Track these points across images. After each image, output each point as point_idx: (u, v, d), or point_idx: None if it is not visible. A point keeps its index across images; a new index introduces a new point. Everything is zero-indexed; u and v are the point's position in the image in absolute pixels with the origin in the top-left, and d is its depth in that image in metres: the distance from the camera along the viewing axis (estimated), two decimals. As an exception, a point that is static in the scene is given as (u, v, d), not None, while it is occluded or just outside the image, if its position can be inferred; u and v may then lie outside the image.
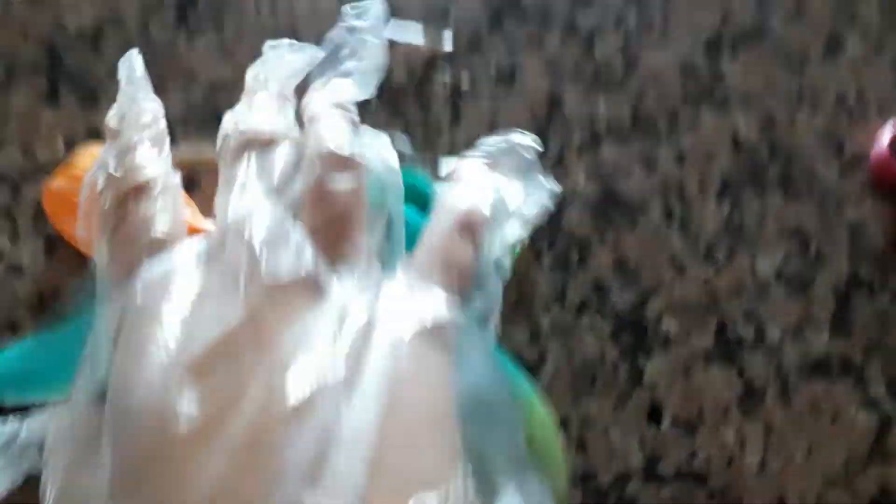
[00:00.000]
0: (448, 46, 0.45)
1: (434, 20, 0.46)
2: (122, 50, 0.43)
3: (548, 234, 0.41)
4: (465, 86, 0.44)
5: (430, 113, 0.43)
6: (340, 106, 0.25)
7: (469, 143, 0.43)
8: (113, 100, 0.41)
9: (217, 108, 0.42)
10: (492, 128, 0.43)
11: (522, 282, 0.40)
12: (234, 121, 0.24)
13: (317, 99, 0.25)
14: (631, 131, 0.44)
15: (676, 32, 0.46)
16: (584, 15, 0.47)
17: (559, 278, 0.40)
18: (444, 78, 0.44)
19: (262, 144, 0.23)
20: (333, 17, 0.45)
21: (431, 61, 0.45)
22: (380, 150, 0.25)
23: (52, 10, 0.44)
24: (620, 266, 0.41)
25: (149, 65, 0.27)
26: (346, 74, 0.26)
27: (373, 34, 0.27)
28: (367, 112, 0.43)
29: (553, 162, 0.43)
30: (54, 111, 0.41)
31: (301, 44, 0.27)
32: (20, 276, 0.37)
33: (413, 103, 0.44)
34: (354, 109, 0.25)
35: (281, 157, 0.23)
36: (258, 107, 0.24)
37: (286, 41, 0.28)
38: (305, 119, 0.24)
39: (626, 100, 0.45)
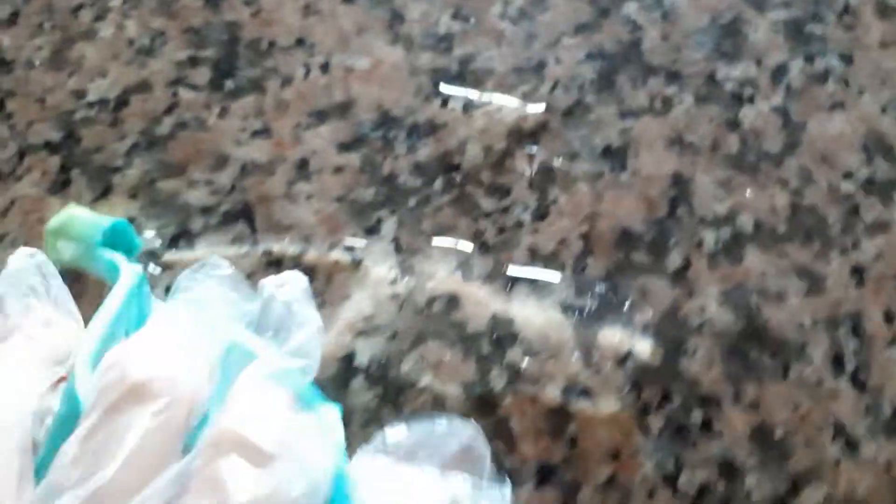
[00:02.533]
0: (539, 111, 0.35)
1: (527, 79, 0.36)
2: (144, 123, 0.37)
3: (658, 382, 0.30)
4: (557, 164, 0.34)
5: (510, 202, 0.33)
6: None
7: (556, 249, 0.32)
8: (128, 189, 0.35)
9: (246, 195, 0.34)
10: (591, 223, 0.33)
11: (618, 453, 0.29)
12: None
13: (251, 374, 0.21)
14: (788, 232, 0.32)
15: (857, 89, 0.33)
16: (730, 65, 0.35)
17: (671, 450, 0.29)
18: (530, 155, 0.34)
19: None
20: (401, 80, 0.37)
21: (517, 132, 0.35)
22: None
23: (74, 76, 0.38)
24: (761, 436, 0.29)
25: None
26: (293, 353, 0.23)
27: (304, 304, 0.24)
28: (429, 203, 0.34)
29: (672, 276, 0.31)
30: (62, 200, 0.35)
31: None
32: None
33: (487, 188, 0.34)
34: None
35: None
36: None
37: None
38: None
39: (781, 186, 0.33)
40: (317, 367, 0.23)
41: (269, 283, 0.24)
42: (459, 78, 0.36)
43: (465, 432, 0.24)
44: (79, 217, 0.30)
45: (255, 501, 0.18)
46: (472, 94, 0.36)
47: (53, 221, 0.30)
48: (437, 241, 0.33)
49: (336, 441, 0.22)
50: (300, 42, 0.38)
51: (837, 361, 0.30)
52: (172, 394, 0.19)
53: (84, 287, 0.29)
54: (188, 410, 0.20)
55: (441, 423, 0.24)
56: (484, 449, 0.23)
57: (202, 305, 0.25)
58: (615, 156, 0.34)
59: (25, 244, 0.34)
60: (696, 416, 0.29)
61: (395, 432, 0.25)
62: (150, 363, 0.20)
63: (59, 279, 0.26)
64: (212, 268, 0.25)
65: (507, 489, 0.24)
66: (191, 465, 0.18)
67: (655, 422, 0.29)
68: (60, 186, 0.35)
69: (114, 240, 0.30)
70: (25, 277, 0.25)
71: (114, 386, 0.19)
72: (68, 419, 0.21)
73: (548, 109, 0.35)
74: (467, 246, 0.33)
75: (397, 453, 0.24)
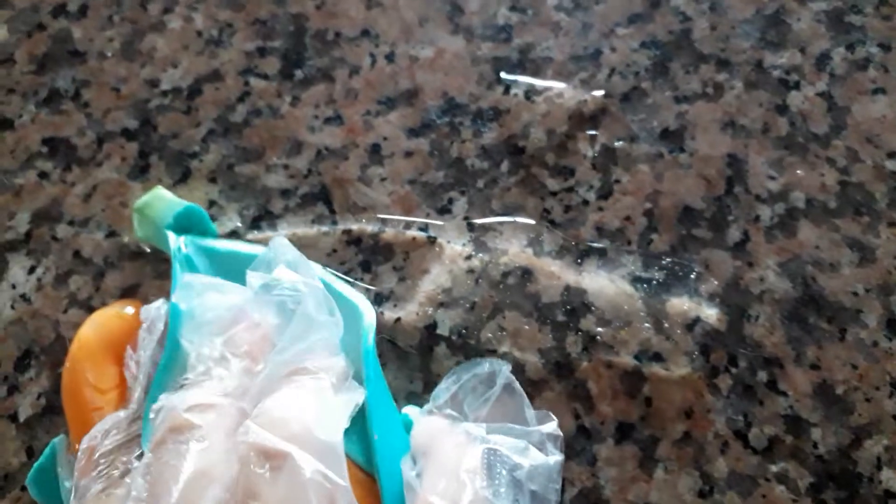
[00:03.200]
0: (599, 97, 0.37)
1: (585, 66, 0.38)
2: (219, 110, 0.38)
3: (725, 346, 0.32)
4: (618, 146, 0.36)
5: (574, 182, 0.35)
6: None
7: (621, 226, 0.34)
8: (207, 173, 0.37)
9: (322, 178, 0.36)
10: (653, 201, 0.34)
11: (691, 412, 0.31)
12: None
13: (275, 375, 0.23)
14: (839, 206, 0.34)
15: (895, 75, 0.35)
16: (776, 54, 0.37)
17: (741, 408, 0.31)
18: (591, 137, 0.36)
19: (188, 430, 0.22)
20: (463, 69, 0.38)
21: (578, 116, 0.37)
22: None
23: (146, 66, 0.39)
24: (824, 393, 0.31)
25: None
26: (310, 349, 0.24)
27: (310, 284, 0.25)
28: (497, 184, 0.35)
29: (732, 249, 0.33)
30: (143, 184, 0.36)
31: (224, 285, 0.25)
32: (97, 381, 0.33)
33: (552, 169, 0.35)
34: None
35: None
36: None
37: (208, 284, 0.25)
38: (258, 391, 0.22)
39: (830, 165, 0.35)
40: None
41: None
42: (520, 66, 0.38)
43: (501, 373, 0.26)
44: (158, 199, 0.31)
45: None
46: (533, 81, 0.38)
47: (138, 201, 0.32)
48: (507, 219, 0.35)
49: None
50: (365, 33, 0.39)
51: (891, 325, 0.32)
52: (212, 416, 0.22)
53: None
54: (232, 425, 0.22)
55: (482, 366, 0.27)
56: (517, 387, 0.26)
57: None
58: (673, 138, 0.36)
59: (109, 227, 0.36)
60: (762, 376, 0.31)
61: (444, 384, 0.27)
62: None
63: None
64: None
65: (552, 425, 0.25)
66: (233, 477, 0.20)
67: (724, 382, 0.31)
68: (140, 171, 0.37)
69: (189, 223, 0.32)
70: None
71: (160, 425, 0.22)
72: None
73: (606, 95, 0.37)
74: (536, 224, 0.34)
75: (448, 405, 0.26)
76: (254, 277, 0.24)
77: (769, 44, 0.38)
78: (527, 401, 0.27)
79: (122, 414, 0.24)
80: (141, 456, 0.22)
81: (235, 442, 0.20)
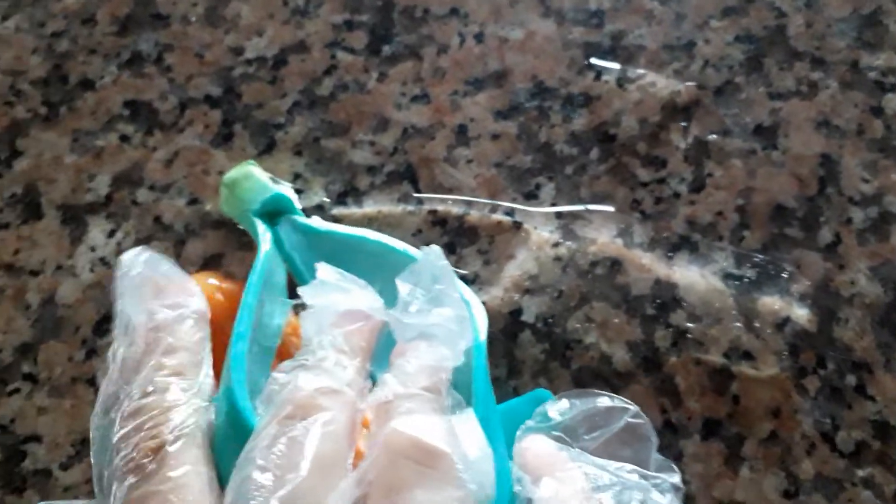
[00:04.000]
0: (691, 89, 0.36)
1: (678, 56, 0.37)
2: (305, 83, 0.38)
3: (814, 347, 0.31)
4: (711, 139, 0.35)
5: (666, 173, 0.35)
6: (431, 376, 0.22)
7: (713, 220, 0.34)
8: (292, 146, 0.36)
9: (409, 157, 0.36)
10: (746, 197, 0.34)
11: (779, 412, 0.30)
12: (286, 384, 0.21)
13: (399, 376, 0.22)
14: (933, 214, 0.34)
15: None
16: (872, 55, 0.37)
17: (828, 411, 0.31)
18: (684, 129, 0.35)
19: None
20: (554, 52, 0.38)
21: (671, 106, 0.36)
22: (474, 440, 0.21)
23: (230, 33, 0.39)
24: (915, 402, 0.31)
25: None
26: (431, 336, 0.22)
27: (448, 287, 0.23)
28: (586, 172, 0.35)
29: (824, 250, 0.33)
30: (227, 153, 0.36)
31: (349, 281, 0.23)
32: (179, 349, 0.32)
33: (643, 159, 0.35)
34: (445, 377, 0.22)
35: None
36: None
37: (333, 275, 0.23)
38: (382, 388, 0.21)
39: (927, 170, 0.34)
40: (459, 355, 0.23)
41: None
42: (611, 53, 0.37)
43: (628, 411, 0.25)
44: (248, 178, 0.31)
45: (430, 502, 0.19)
46: (625, 68, 0.37)
47: (228, 175, 0.31)
48: (597, 208, 0.34)
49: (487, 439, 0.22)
50: (454, 11, 0.39)
51: (985, 336, 0.32)
52: (338, 404, 0.21)
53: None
54: (353, 418, 0.21)
55: (604, 400, 0.25)
56: (649, 430, 0.24)
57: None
58: (766, 134, 0.35)
59: (191, 194, 0.35)
60: (850, 379, 0.31)
61: (558, 407, 0.26)
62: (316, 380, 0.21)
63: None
64: None
65: (677, 477, 0.24)
66: (368, 469, 0.19)
67: (812, 384, 0.31)
68: (223, 140, 0.36)
69: (276, 209, 0.31)
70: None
71: (288, 399, 0.20)
72: (232, 425, 0.22)
73: (700, 87, 0.36)
74: (626, 214, 0.34)
75: (559, 428, 0.25)
76: (402, 287, 0.23)
77: (865, 44, 0.37)
78: (655, 445, 0.25)
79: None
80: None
81: (384, 432, 0.20)
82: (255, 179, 0.31)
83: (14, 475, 0.31)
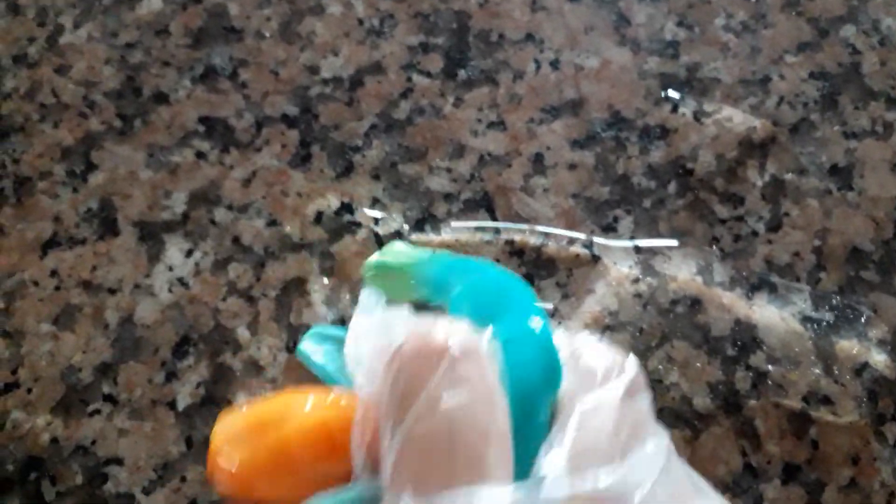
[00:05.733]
0: (766, 126, 0.36)
1: (754, 91, 0.37)
2: (381, 105, 0.37)
3: (893, 394, 0.32)
4: (787, 178, 0.35)
5: (744, 211, 0.35)
6: None
7: (790, 261, 0.34)
8: (370, 170, 0.36)
9: (485, 184, 0.36)
10: (822, 238, 0.34)
11: (858, 458, 0.31)
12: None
13: None
14: None
15: None
16: (949, 96, 0.37)
17: (904, 457, 0.31)
18: (761, 165, 0.36)
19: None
20: (629, 82, 0.37)
21: (748, 143, 0.36)
22: None
23: (306, 50, 0.38)
24: None
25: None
26: None
27: None
28: (664, 206, 0.35)
29: (902, 296, 0.33)
30: (305, 174, 0.36)
31: None
32: (258, 374, 0.33)
33: (721, 196, 0.35)
34: None
35: None
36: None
37: None
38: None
39: None
40: None
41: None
42: (687, 84, 0.37)
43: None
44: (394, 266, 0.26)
45: None
46: (701, 101, 0.37)
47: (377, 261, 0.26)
48: (676, 244, 0.34)
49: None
50: (529, 37, 0.39)
51: None
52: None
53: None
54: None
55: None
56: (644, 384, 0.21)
57: None
58: (841, 174, 0.36)
59: (270, 215, 0.35)
60: (928, 428, 0.32)
61: None
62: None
63: None
64: None
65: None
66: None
67: (891, 431, 0.32)
68: (301, 161, 0.36)
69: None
70: None
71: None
72: None
73: (775, 123, 0.36)
74: (706, 251, 0.34)
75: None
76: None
77: (940, 85, 0.37)
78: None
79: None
80: None
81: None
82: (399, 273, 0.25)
83: (96, 498, 0.31)
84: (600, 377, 0.19)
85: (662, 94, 0.37)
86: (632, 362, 0.19)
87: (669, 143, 0.36)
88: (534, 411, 0.19)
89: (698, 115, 0.37)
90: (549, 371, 0.20)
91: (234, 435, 0.21)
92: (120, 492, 0.31)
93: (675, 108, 0.37)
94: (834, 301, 0.33)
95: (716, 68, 0.38)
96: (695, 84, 0.38)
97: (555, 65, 0.38)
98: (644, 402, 0.19)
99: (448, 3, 0.39)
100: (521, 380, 0.19)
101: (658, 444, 0.18)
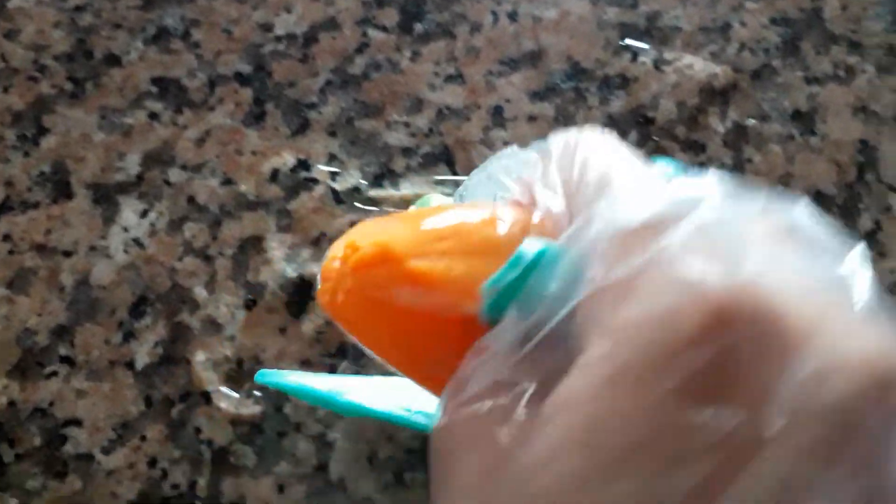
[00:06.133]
0: (727, 73, 0.36)
1: (714, 39, 0.37)
2: (336, 61, 0.37)
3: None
4: (749, 124, 0.35)
5: (706, 158, 0.35)
6: None
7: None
8: (326, 126, 0.35)
9: (444, 138, 0.35)
10: (786, 185, 0.34)
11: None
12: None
13: None
14: (969, 201, 0.34)
15: None
16: (910, 37, 0.37)
17: None
18: (723, 112, 0.35)
19: None
20: (589, 33, 0.37)
21: (709, 90, 0.36)
22: None
23: (259, 9, 0.38)
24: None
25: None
26: None
27: None
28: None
29: (864, 238, 0.33)
30: (259, 133, 0.35)
31: None
32: (217, 333, 0.32)
33: (683, 143, 0.35)
34: None
35: None
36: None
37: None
38: None
39: (962, 157, 0.34)
40: None
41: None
42: (647, 34, 0.37)
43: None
44: None
45: None
46: (661, 50, 0.37)
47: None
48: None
49: None
50: (487, -11, 0.38)
51: None
52: None
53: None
54: None
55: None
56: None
57: None
58: (804, 120, 0.35)
59: (224, 174, 0.35)
60: None
61: None
62: None
63: None
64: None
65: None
66: None
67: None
68: (255, 119, 0.36)
69: None
70: None
71: None
72: None
73: (736, 70, 0.36)
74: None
75: None
76: None
77: (902, 28, 0.37)
78: None
79: None
80: None
81: None
82: None
83: (55, 459, 0.31)
84: None
85: (622, 44, 0.37)
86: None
87: (630, 93, 0.36)
88: None
89: (658, 64, 0.36)
90: None
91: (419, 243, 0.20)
92: (79, 452, 0.31)
93: (634, 58, 0.37)
94: (795, 244, 0.33)
95: (676, 16, 0.37)
96: (654, 33, 0.37)
97: (512, 16, 0.38)
98: None
99: (404, -43, 0.39)
100: None
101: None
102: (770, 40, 0.37)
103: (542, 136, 0.35)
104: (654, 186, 0.17)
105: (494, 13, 0.38)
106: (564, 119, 0.35)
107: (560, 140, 0.21)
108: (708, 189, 0.16)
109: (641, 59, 0.37)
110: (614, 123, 0.35)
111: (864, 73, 0.36)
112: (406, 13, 0.38)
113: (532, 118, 0.36)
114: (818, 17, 0.37)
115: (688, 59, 0.36)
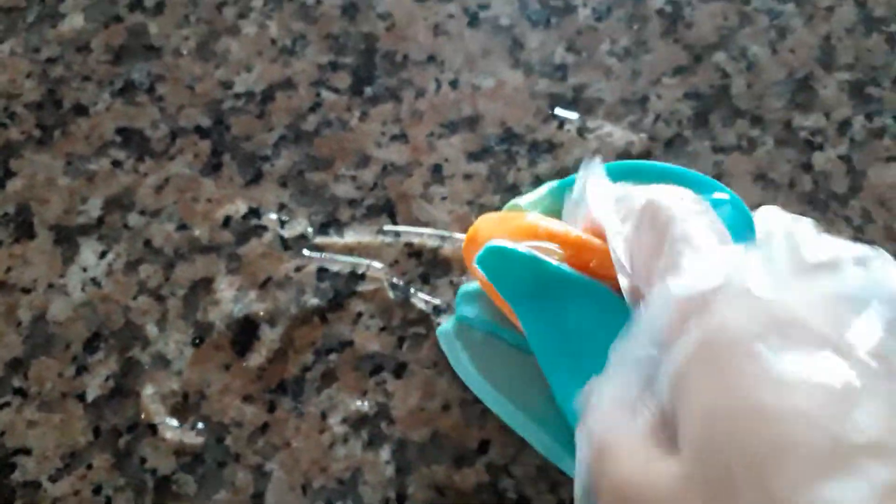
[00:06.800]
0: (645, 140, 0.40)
1: (633, 110, 0.41)
2: (291, 118, 0.40)
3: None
4: (661, 189, 0.39)
5: (620, 218, 0.38)
6: None
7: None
8: (276, 178, 0.38)
9: (388, 192, 0.38)
10: (691, 244, 0.38)
11: None
12: None
13: None
14: (853, 262, 0.38)
15: (917, 148, 0.39)
16: (804, 115, 0.41)
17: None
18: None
19: None
20: (522, 101, 0.41)
21: (626, 156, 0.40)
22: None
23: (221, 67, 0.41)
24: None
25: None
26: None
27: None
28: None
29: (760, 292, 0.37)
30: (215, 182, 0.38)
31: None
32: (165, 367, 0.34)
33: (601, 205, 0.38)
34: None
35: None
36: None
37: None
38: None
39: (846, 223, 0.39)
40: None
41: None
42: (573, 103, 0.41)
43: None
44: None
45: None
46: (585, 119, 0.41)
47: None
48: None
49: None
50: (431, 59, 0.42)
51: None
52: None
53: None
54: None
55: None
56: None
57: None
58: (710, 185, 0.39)
59: (180, 220, 0.37)
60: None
61: None
62: None
63: None
64: None
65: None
66: None
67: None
68: (212, 169, 0.39)
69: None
70: None
71: None
72: None
73: (651, 138, 0.40)
74: (586, 252, 0.37)
75: None
76: None
77: (798, 105, 0.42)
78: None
79: None
80: None
81: None
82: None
83: (3, 487, 0.32)
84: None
85: (550, 112, 0.41)
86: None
87: (555, 157, 0.40)
88: None
89: (582, 132, 0.40)
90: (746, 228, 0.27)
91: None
92: (27, 480, 0.32)
93: (561, 125, 0.40)
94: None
95: (600, 89, 0.42)
96: (580, 103, 0.41)
97: (454, 84, 0.41)
98: None
99: (357, 26, 0.42)
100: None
101: None
102: (683, 112, 0.41)
103: (476, 192, 0.39)
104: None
105: (437, 80, 0.41)
106: (496, 178, 0.39)
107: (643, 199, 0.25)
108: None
109: (567, 126, 0.40)
110: (540, 183, 0.39)
111: (764, 145, 0.40)
112: (358, 77, 0.41)
113: (468, 176, 0.39)
114: (726, 93, 0.42)
115: (608, 127, 0.40)
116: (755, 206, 0.39)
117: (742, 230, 0.28)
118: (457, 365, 0.32)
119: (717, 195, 0.30)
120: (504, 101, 0.41)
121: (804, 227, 0.26)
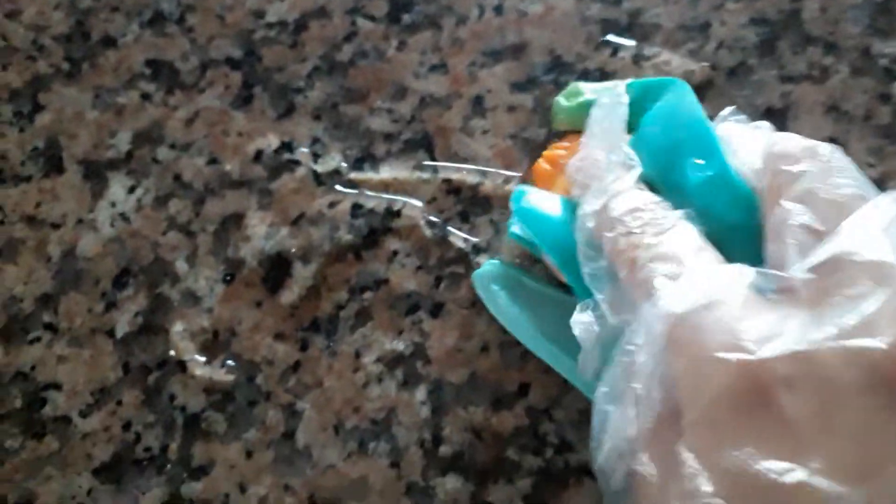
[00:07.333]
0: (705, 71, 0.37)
1: (693, 36, 0.38)
2: (325, 48, 0.38)
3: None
4: (721, 121, 0.36)
5: (676, 153, 0.35)
6: None
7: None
8: (311, 110, 0.37)
9: (425, 125, 0.36)
10: (754, 180, 0.35)
11: None
12: None
13: None
14: (936, 201, 0.34)
15: None
16: (884, 42, 0.37)
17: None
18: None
19: None
20: (572, 27, 0.38)
21: (682, 87, 0.37)
22: None
23: (253, -5, 0.39)
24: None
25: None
26: None
27: None
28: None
29: (830, 233, 0.34)
30: (246, 115, 0.36)
31: None
32: (195, 304, 0.33)
33: (655, 138, 0.36)
34: None
35: None
36: None
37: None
38: None
39: (931, 157, 0.35)
40: None
41: None
42: (628, 30, 0.38)
43: None
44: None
45: None
46: (641, 46, 0.38)
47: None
48: (609, 183, 0.35)
49: None
50: (474, -17, 0.39)
51: None
52: None
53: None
54: None
55: None
56: None
57: None
58: (776, 117, 0.36)
59: (210, 154, 0.36)
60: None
61: None
62: None
63: None
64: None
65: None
66: None
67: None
68: (243, 102, 0.37)
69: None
70: None
71: None
72: None
73: (713, 67, 0.37)
74: (638, 189, 0.35)
75: None
76: None
77: (878, 31, 0.38)
78: None
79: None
80: None
81: None
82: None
83: (34, 421, 0.32)
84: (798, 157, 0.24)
85: (603, 39, 0.38)
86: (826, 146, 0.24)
87: (607, 86, 0.37)
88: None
89: (637, 59, 0.37)
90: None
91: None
92: (57, 415, 0.32)
93: (615, 53, 0.38)
94: (762, 237, 0.34)
95: (657, 14, 0.38)
96: (635, 29, 0.38)
97: (498, 10, 0.39)
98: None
99: (394, -49, 0.40)
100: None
101: None
102: (748, 39, 0.38)
103: (520, 126, 0.36)
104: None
105: (480, 6, 0.39)
106: (542, 110, 0.36)
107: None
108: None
109: (621, 54, 0.37)
110: (591, 115, 0.36)
111: (838, 74, 0.37)
112: (395, 4, 0.39)
113: (511, 108, 0.37)
114: (796, 18, 0.38)
115: (666, 55, 0.37)
116: (826, 139, 0.35)
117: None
118: (495, 308, 0.30)
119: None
120: (552, 27, 0.38)
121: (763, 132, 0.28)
